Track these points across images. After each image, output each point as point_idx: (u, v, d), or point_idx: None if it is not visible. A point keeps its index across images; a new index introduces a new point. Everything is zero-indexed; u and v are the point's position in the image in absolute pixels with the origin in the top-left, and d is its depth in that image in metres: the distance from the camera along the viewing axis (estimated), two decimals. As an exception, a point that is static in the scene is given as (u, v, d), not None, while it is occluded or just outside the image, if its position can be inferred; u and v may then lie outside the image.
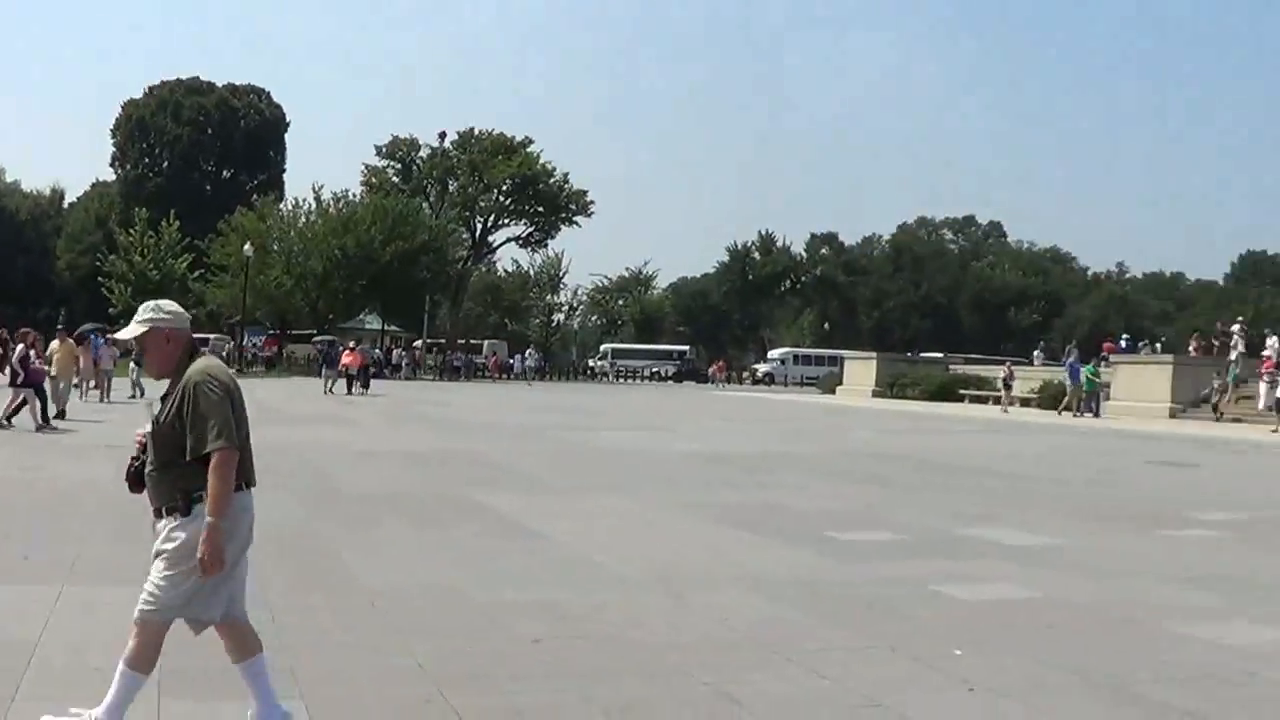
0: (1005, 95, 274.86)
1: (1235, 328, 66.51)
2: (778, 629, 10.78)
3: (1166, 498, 23.34)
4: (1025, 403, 65.48)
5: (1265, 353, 57.72)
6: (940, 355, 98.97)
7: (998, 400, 67.92)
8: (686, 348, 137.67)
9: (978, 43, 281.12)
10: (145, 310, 7.07)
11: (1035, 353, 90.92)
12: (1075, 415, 56.81)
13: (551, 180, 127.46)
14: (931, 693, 8.85)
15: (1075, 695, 8.94)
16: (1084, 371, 58.20)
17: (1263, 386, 50.91)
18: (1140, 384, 59.00)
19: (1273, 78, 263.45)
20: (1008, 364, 71.24)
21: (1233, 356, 59.88)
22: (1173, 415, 55.69)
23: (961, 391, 74.31)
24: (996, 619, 11.59)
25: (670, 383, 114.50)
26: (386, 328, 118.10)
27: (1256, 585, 13.98)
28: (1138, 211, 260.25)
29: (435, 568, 13.40)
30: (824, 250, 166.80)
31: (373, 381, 68.63)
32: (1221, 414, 53.18)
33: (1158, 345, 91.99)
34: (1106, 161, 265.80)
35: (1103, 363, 62.71)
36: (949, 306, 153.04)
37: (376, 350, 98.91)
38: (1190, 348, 68.37)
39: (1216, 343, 66.19)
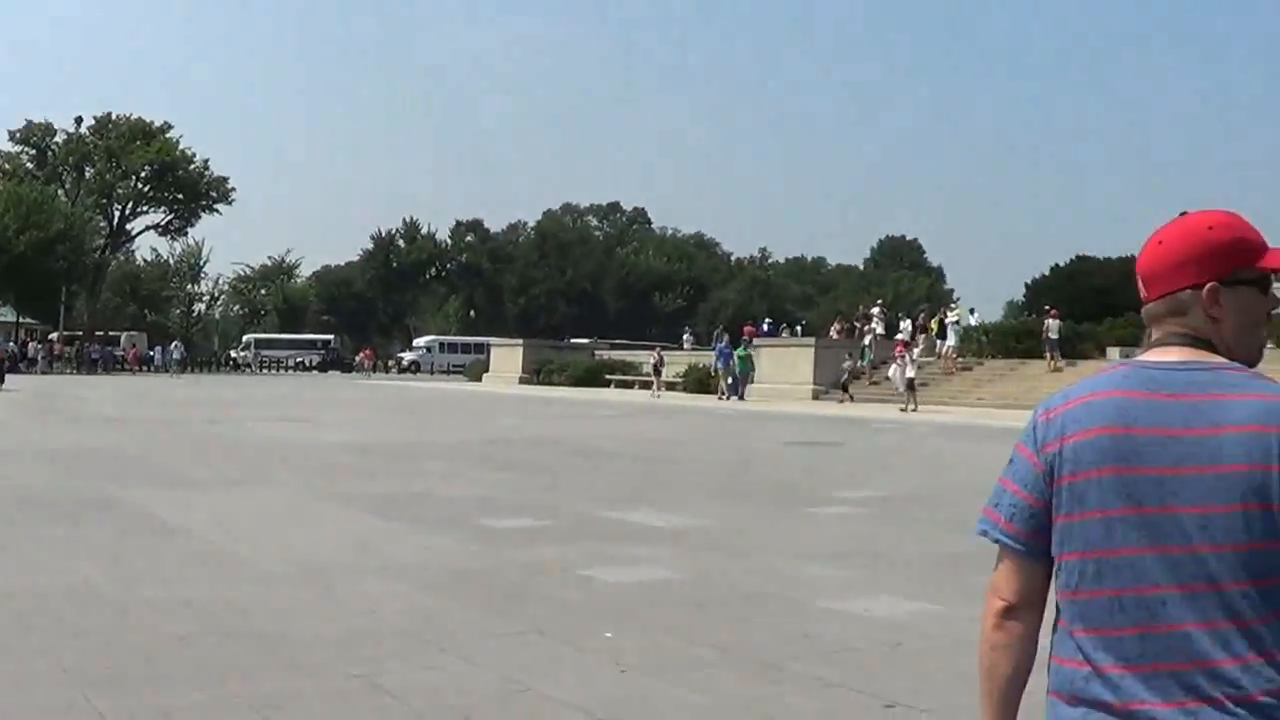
0: (648, 83, 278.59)
1: (874, 310, 68.53)
2: (427, 618, 10.70)
3: (809, 477, 23.95)
4: (671, 386, 66.35)
5: (899, 335, 59.61)
6: (587, 341, 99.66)
7: (645, 385, 68.74)
8: (331, 337, 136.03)
9: (618, 30, 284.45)
10: None
11: (685, 337, 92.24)
12: (722, 399, 57.88)
13: (192, 166, 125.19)
14: (583, 674, 8.88)
15: (725, 672, 9.07)
16: (736, 354, 59.27)
17: (894, 369, 52.59)
18: (784, 367, 60.40)
19: (904, 66, 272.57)
20: (658, 349, 72.00)
21: (866, 341, 61.57)
22: (816, 397, 57.18)
23: (608, 376, 75.10)
24: (646, 600, 11.70)
25: (315, 372, 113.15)
26: (21, 320, 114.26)
27: (897, 559, 14.40)
28: (779, 198, 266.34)
29: (74, 567, 12.95)
30: (469, 237, 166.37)
31: (7, 376, 66.24)
32: (851, 396, 54.75)
33: (798, 329, 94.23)
34: (748, 149, 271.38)
35: (743, 345, 63.93)
36: (595, 292, 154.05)
37: (10, 344, 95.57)
38: (832, 330, 70.07)
39: (858, 325, 67.98)
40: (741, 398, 57.82)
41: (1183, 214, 3.12)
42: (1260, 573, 2.76)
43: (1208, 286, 2.96)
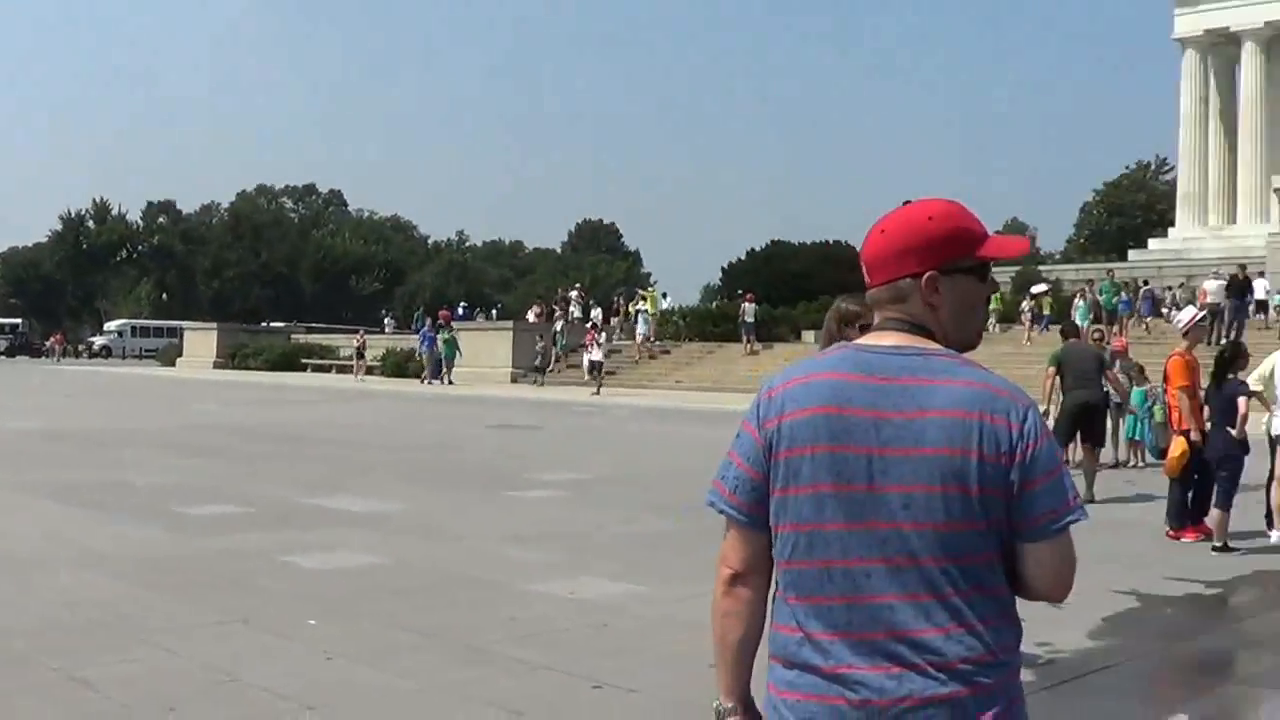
0: (338, 61, 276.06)
1: (573, 294, 68.74)
2: (126, 608, 10.51)
3: (510, 460, 24.01)
4: (371, 370, 65.76)
5: (590, 322, 60.04)
6: (283, 324, 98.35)
7: (342, 369, 68.14)
8: (19, 321, 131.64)
9: (307, 7, 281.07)
10: None
11: (386, 320, 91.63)
12: (426, 382, 57.56)
13: None
14: (290, 663, 8.84)
15: (431, 656, 9.12)
16: (440, 338, 58.92)
17: (586, 355, 52.95)
18: (483, 350, 60.28)
19: (600, 50, 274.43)
20: (361, 333, 71.30)
21: (558, 327, 61.64)
22: (514, 380, 57.34)
23: (305, 361, 74.22)
24: (349, 586, 11.66)
25: (3, 358, 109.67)
26: None
27: (599, 541, 14.59)
28: (477, 181, 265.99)
29: None
30: (161, 219, 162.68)
31: None
32: (543, 380, 55.07)
33: (494, 312, 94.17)
34: (444, 131, 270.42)
35: (442, 329, 63.63)
36: (291, 275, 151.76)
37: None
38: (531, 314, 70.09)
39: (556, 308, 68.16)
40: (446, 381, 57.49)
41: (905, 203, 3.26)
42: (959, 551, 2.96)
43: (926, 275, 3.12)
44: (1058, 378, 19.14)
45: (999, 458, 2.95)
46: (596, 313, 64.64)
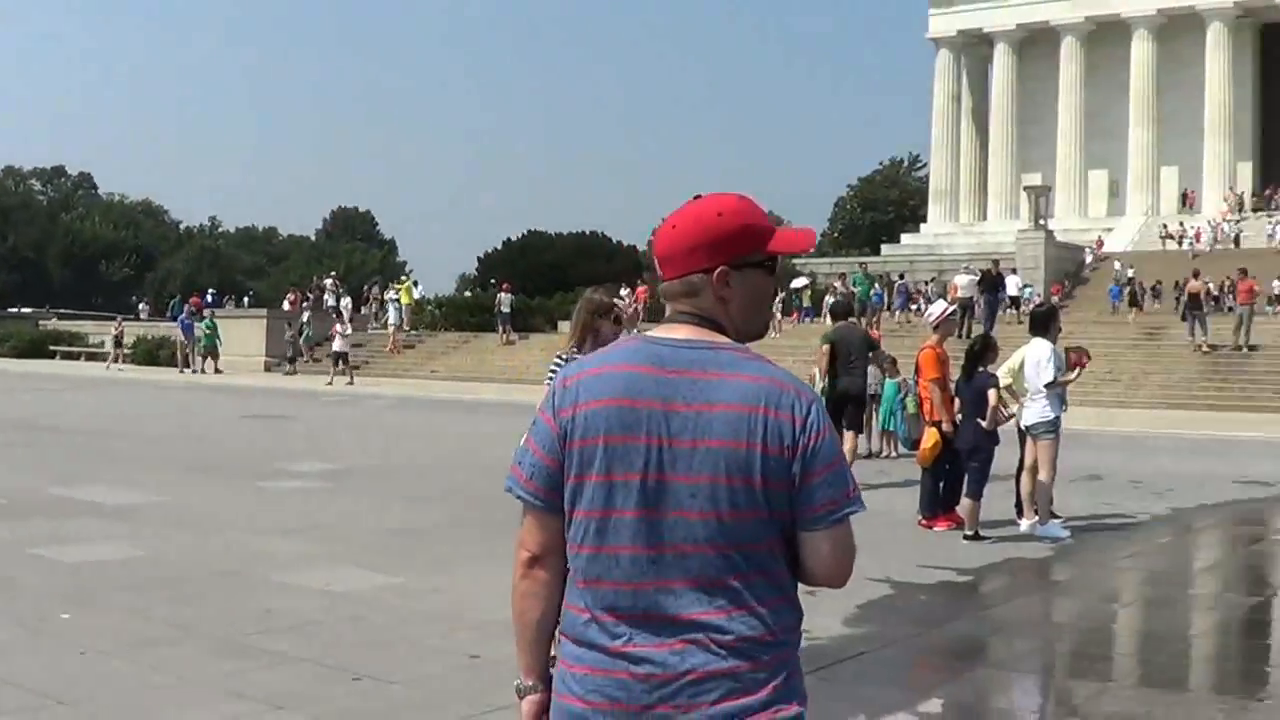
0: (76, 42, 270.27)
1: (328, 282, 68.05)
2: None
3: (263, 450, 23.73)
4: (125, 358, 64.35)
5: (334, 312, 59.63)
6: (32, 310, 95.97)
7: (93, 357, 66.63)
8: None
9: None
10: None
11: (140, 306, 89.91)
12: (190, 371, 56.44)
13: None
14: (42, 657, 8.67)
15: (187, 650, 8.99)
16: (200, 326, 57.82)
17: (331, 345, 52.55)
18: (236, 338, 59.35)
19: (354, 41, 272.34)
20: (119, 320, 69.73)
21: (305, 317, 60.67)
22: (268, 369, 56.67)
23: (54, 348, 72.47)
24: (102, 579, 11.42)
25: None
26: None
27: (354, 532, 14.45)
28: (230, 165, 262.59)
29: None
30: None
31: None
32: (294, 369, 54.66)
33: (245, 300, 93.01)
34: (199, 112, 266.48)
35: (195, 315, 62.44)
36: (38, 260, 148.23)
37: None
38: (286, 301, 69.17)
39: (310, 297, 67.40)
40: (202, 369, 56.41)
41: (696, 197, 3.33)
42: (742, 539, 3.07)
43: (717, 271, 3.20)
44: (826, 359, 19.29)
45: (782, 451, 3.06)
46: (346, 301, 64.02)
